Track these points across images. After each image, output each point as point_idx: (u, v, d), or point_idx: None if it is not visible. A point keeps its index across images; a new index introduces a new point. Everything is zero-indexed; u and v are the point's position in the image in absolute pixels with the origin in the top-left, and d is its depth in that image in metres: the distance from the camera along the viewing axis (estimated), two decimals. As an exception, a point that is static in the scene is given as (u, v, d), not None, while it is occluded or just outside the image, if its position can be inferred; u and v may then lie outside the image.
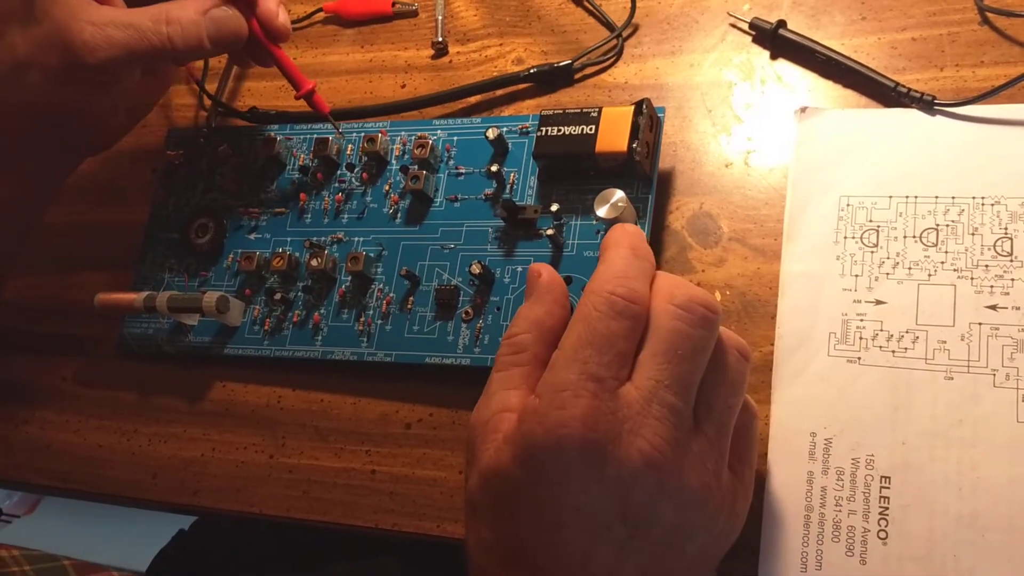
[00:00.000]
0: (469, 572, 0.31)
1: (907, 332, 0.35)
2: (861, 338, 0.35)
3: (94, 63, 0.38)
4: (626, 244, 0.31)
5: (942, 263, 0.36)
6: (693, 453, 0.29)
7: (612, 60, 0.45)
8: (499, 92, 0.46)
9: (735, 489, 0.31)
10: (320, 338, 0.42)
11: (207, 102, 0.51)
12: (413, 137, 0.43)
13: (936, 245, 0.36)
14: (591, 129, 0.38)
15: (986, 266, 0.35)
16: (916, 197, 0.37)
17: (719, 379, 0.30)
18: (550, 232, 0.38)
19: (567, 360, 0.29)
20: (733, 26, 0.44)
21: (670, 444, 0.28)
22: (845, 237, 0.37)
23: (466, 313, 0.39)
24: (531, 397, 0.29)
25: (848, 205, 0.38)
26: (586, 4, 0.47)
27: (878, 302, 0.36)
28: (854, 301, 0.36)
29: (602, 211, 0.36)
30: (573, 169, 0.39)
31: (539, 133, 0.39)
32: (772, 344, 0.37)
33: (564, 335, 0.30)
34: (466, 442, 0.32)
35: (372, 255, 0.42)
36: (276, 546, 0.59)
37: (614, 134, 0.38)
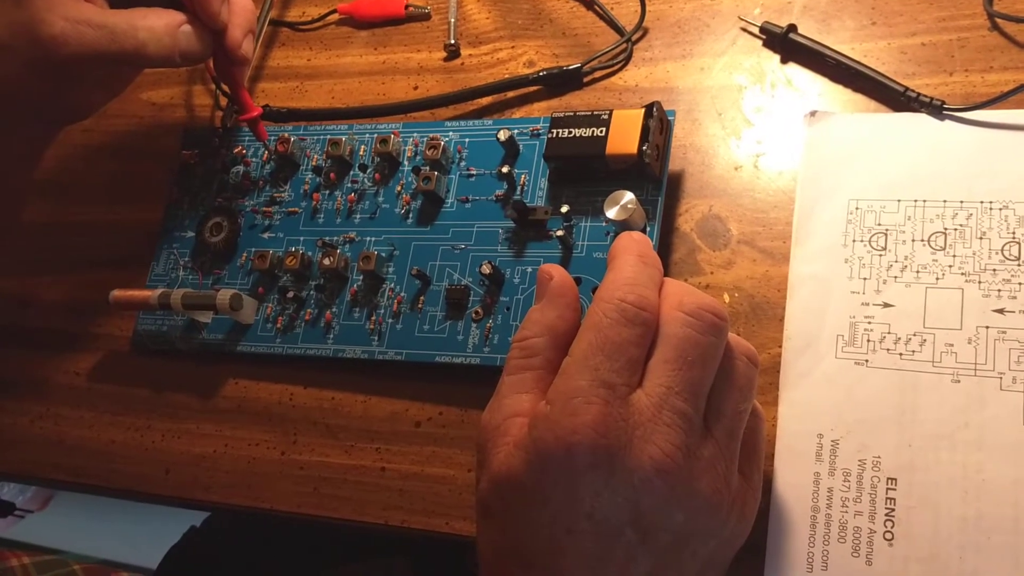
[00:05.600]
0: (481, 573, 0.31)
1: (914, 335, 0.35)
2: (869, 340, 0.35)
3: (61, 58, 0.38)
4: (634, 251, 0.32)
5: (950, 267, 0.36)
6: (704, 459, 0.29)
7: (622, 63, 0.45)
8: (510, 94, 0.46)
9: (744, 492, 0.31)
10: (332, 336, 0.42)
11: (223, 102, 0.52)
12: (425, 138, 0.44)
13: (944, 249, 0.36)
14: (602, 131, 0.38)
15: (994, 270, 0.35)
16: (924, 201, 0.37)
17: (728, 385, 0.30)
18: (560, 233, 0.39)
19: (578, 367, 0.29)
20: (744, 30, 0.44)
21: (681, 450, 0.28)
22: (853, 240, 0.37)
23: (476, 313, 0.40)
24: (542, 403, 0.30)
25: (857, 208, 0.38)
26: (596, 8, 0.47)
27: (886, 305, 0.36)
28: (862, 304, 0.36)
29: (612, 213, 0.37)
30: (583, 171, 0.40)
31: (550, 135, 0.40)
32: (780, 346, 0.37)
33: (574, 342, 0.30)
34: (477, 443, 0.32)
35: (384, 255, 0.42)
36: (287, 546, 0.59)
37: (625, 136, 0.38)
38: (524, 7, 0.49)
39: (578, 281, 0.37)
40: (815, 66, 0.42)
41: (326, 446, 0.42)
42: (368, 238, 0.43)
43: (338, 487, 0.41)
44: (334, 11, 0.52)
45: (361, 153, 0.45)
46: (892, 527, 0.33)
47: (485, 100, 0.47)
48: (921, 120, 0.39)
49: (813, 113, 0.40)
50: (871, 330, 0.36)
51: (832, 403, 0.35)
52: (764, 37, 0.43)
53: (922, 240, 0.36)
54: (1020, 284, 0.35)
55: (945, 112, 0.38)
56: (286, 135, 0.46)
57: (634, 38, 0.45)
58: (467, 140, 0.43)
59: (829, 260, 0.37)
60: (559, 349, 0.31)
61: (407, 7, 0.51)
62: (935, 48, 0.40)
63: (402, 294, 0.41)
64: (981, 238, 0.36)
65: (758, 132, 0.41)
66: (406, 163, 0.44)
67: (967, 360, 0.34)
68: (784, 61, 0.43)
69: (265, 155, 0.47)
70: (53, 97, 0.42)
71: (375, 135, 0.45)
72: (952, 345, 0.34)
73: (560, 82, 0.45)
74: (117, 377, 0.47)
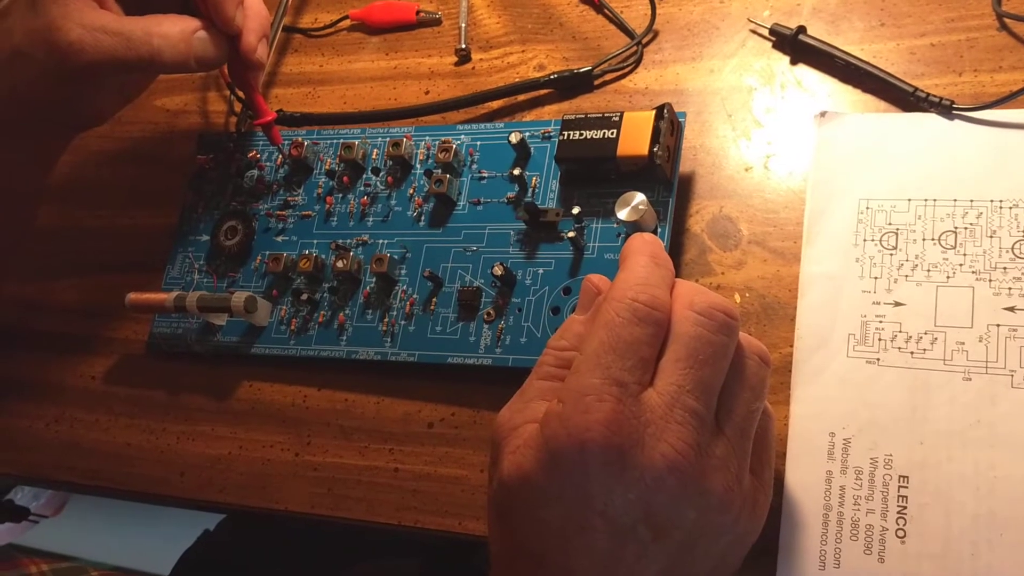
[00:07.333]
0: (492, 572, 0.32)
1: (925, 333, 0.35)
2: (880, 339, 0.36)
3: (77, 65, 0.39)
4: (646, 252, 0.32)
5: (960, 265, 0.36)
6: (716, 457, 0.29)
7: (632, 66, 0.45)
8: (521, 97, 0.47)
9: (756, 491, 0.31)
10: (345, 338, 0.42)
11: (237, 107, 0.52)
12: (437, 142, 0.44)
13: (954, 248, 0.36)
14: (613, 133, 0.39)
15: (1004, 268, 0.35)
16: (935, 200, 0.37)
17: (740, 384, 0.30)
18: (571, 235, 0.39)
19: (590, 365, 0.29)
20: (753, 32, 0.44)
21: (693, 448, 0.28)
22: (864, 240, 0.37)
23: (488, 314, 0.40)
24: (554, 401, 0.30)
25: (867, 208, 0.38)
26: (606, 12, 0.47)
27: (897, 304, 0.36)
28: (873, 303, 0.36)
29: (623, 214, 0.37)
30: (594, 173, 0.40)
31: (561, 137, 0.40)
32: (791, 345, 0.37)
33: (587, 340, 0.30)
34: (491, 440, 0.32)
35: (396, 257, 0.43)
36: (301, 549, 0.59)
37: (635, 138, 0.38)
38: (534, 11, 0.49)
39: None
40: (825, 67, 0.42)
41: (340, 447, 0.42)
42: (381, 240, 0.44)
43: (352, 488, 0.41)
44: (346, 17, 0.53)
45: (374, 157, 0.46)
46: (904, 525, 0.33)
47: (496, 104, 0.47)
48: (931, 120, 0.39)
49: (823, 114, 0.40)
50: (882, 329, 0.36)
51: (844, 402, 0.35)
52: (774, 39, 0.43)
53: (933, 239, 0.37)
54: (1031, 282, 0.35)
55: (955, 112, 0.38)
56: (300, 139, 0.46)
57: (644, 41, 0.45)
58: (478, 143, 0.44)
59: (840, 259, 0.37)
60: None
61: (418, 12, 0.51)
62: (944, 48, 0.40)
63: (414, 296, 0.42)
64: (991, 236, 0.36)
65: (768, 133, 0.42)
66: (418, 166, 0.45)
67: (978, 358, 0.34)
68: (794, 62, 0.43)
69: (279, 159, 0.47)
70: (69, 103, 0.43)
71: (387, 139, 0.45)
72: (963, 343, 0.35)
73: (571, 85, 0.46)
74: (132, 380, 0.47)
